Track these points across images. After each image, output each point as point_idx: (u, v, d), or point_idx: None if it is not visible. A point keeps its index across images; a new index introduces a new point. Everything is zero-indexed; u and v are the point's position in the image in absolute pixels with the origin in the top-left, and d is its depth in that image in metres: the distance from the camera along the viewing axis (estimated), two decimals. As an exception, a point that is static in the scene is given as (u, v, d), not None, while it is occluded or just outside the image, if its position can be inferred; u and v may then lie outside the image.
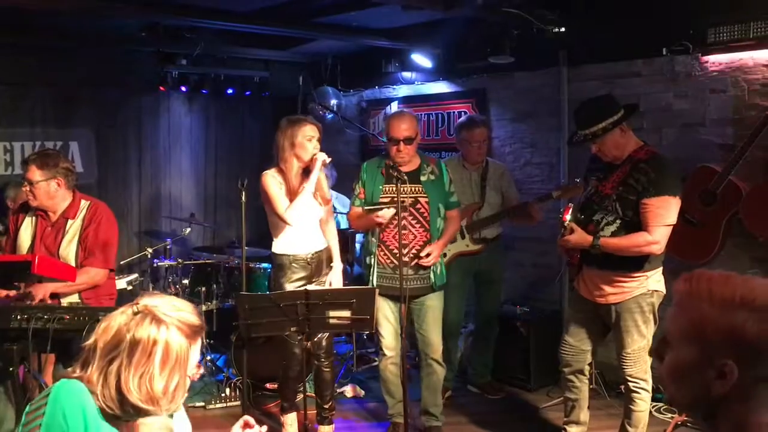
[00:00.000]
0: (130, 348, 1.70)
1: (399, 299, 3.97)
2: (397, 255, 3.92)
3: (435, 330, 4.08)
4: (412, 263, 3.97)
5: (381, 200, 3.97)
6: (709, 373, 1.27)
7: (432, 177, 4.05)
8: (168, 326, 1.74)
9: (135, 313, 1.75)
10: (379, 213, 3.89)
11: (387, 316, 4.02)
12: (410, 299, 4.03)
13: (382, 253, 4.00)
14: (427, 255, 3.94)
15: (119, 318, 1.75)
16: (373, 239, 4.01)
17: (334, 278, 4.16)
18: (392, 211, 3.90)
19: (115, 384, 1.70)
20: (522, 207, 4.69)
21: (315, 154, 3.95)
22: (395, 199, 3.85)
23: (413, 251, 3.98)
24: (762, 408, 1.25)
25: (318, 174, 3.96)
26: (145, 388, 1.70)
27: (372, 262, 4.04)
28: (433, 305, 4.07)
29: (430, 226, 4.00)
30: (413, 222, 3.99)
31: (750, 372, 1.24)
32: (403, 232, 3.92)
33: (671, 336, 1.35)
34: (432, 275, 4.02)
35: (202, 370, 1.90)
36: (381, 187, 4.01)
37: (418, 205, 3.99)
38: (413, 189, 3.99)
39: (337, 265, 4.19)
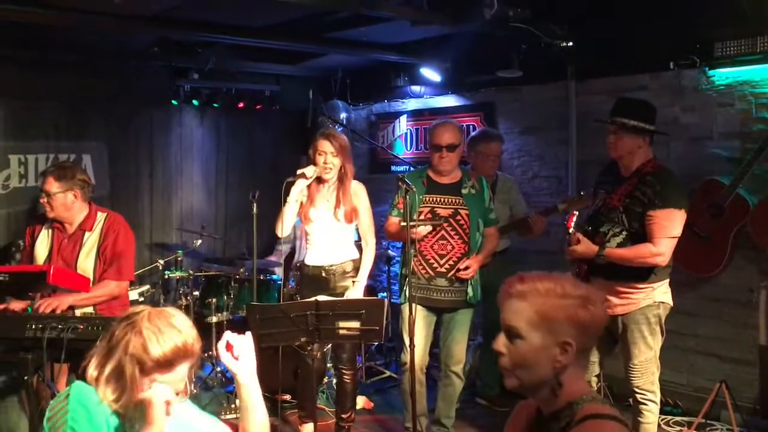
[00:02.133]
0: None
1: (432, 310, 4.05)
2: (434, 265, 4.03)
3: (460, 344, 4.11)
4: (450, 274, 4.01)
5: (420, 210, 4.01)
6: (555, 351, 1.63)
7: (473, 191, 4.10)
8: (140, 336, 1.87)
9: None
10: (416, 229, 3.91)
11: (417, 327, 3.91)
12: (442, 311, 4.09)
13: (418, 264, 4.02)
14: (466, 268, 3.97)
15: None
16: (412, 250, 3.98)
17: (354, 294, 4.14)
18: (429, 228, 3.95)
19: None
20: (523, 220, 4.72)
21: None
22: (434, 209, 4.00)
23: (450, 262, 4.03)
24: (580, 373, 1.68)
25: (298, 189, 4.00)
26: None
27: (407, 273, 4.04)
28: (463, 320, 4.11)
29: (469, 239, 4.03)
30: (452, 233, 4.03)
31: (579, 345, 1.63)
32: (442, 242, 4.00)
33: (519, 328, 1.65)
34: (470, 289, 4.05)
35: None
36: (421, 197, 4.04)
37: (458, 217, 4.04)
38: (454, 200, 4.05)
39: (361, 281, 4.16)
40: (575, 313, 1.62)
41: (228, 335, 2.06)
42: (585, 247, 3.47)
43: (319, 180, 4.12)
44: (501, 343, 1.69)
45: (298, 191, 4.02)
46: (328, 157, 4.04)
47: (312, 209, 4.14)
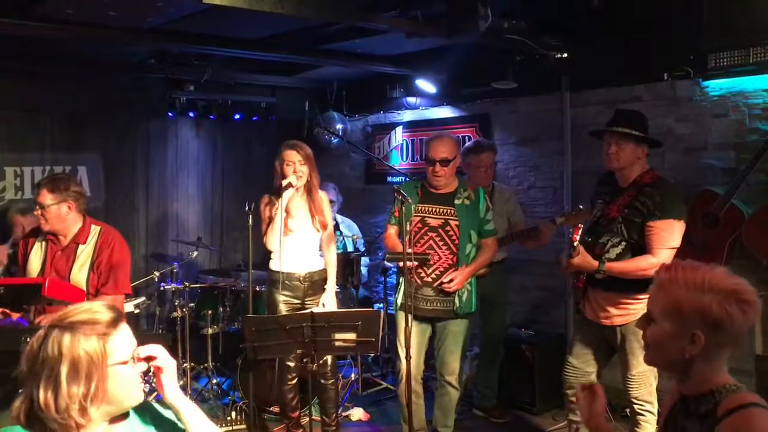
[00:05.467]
0: (40, 367, 1.65)
1: (422, 319, 4.05)
2: (421, 275, 4.03)
3: (454, 354, 4.09)
4: (435, 285, 4.01)
5: (412, 219, 4.03)
6: (683, 341, 1.70)
7: (467, 201, 4.08)
8: (74, 332, 1.66)
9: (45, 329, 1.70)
10: (401, 264, 3.91)
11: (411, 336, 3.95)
12: (433, 321, 4.09)
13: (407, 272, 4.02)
14: (450, 281, 3.95)
15: (34, 339, 1.70)
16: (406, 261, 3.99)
17: (326, 300, 4.28)
18: (415, 263, 3.92)
19: (27, 409, 1.66)
20: (534, 228, 4.70)
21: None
22: (425, 218, 4.02)
23: (436, 272, 4.02)
24: (718, 365, 1.73)
25: (285, 200, 4.10)
26: (52, 405, 1.62)
27: (401, 281, 4.07)
28: (456, 330, 4.08)
29: (458, 250, 4.01)
30: (440, 243, 4.02)
31: (712, 339, 1.68)
32: (429, 251, 4.00)
33: (654, 313, 1.77)
34: (457, 300, 4.02)
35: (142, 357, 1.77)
36: (414, 206, 4.05)
37: (448, 228, 4.02)
38: (445, 211, 4.05)
39: (330, 287, 4.32)
40: (709, 307, 1.66)
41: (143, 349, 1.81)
42: (582, 259, 3.47)
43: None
44: (640, 322, 1.83)
45: (284, 202, 4.12)
46: (297, 165, 4.17)
47: (290, 220, 4.21)
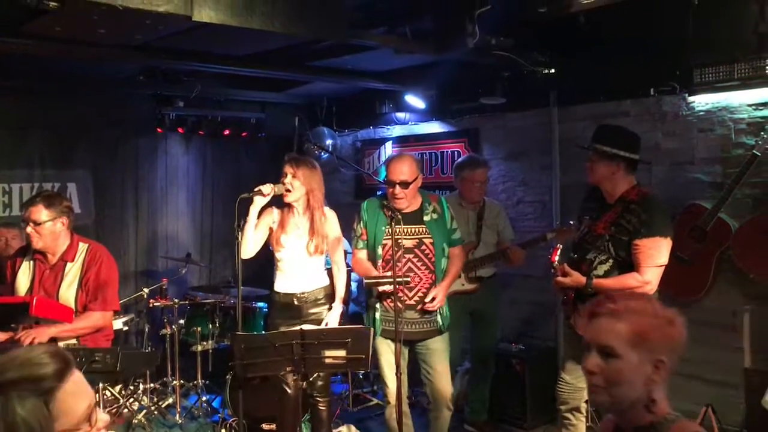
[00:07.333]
0: None
1: (403, 342, 3.94)
2: (403, 299, 3.90)
3: (444, 375, 4.02)
4: (418, 308, 3.93)
5: (384, 242, 3.95)
6: (649, 369, 1.66)
7: (435, 216, 4.01)
8: (7, 395, 1.29)
9: None
10: (381, 288, 3.87)
11: (390, 362, 3.89)
12: (415, 342, 4.01)
13: (386, 297, 3.92)
14: (432, 299, 3.89)
15: None
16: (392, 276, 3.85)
17: (331, 318, 4.15)
18: (390, 287, 3.80)
19: None
20: (502, 252, 4.75)
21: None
22: (398, 240, 3.85)
23: (419, 295, 3.93)
24: (664, 393, 1.69)
25: (256, 208, 3.97)
26: None
27: (375, 304, 4.01)
28: (439, 348, 4.01)
29: (435, 267, 3.94)
30: (418, 264, 3.94)
31: (670, 364, 1.67)
32: (410, 274, 3.90)
33: (616, 347, 1.66)
34: (439, 317, 3.97)
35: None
36: (384, 228, 3.94)
37: (423, 247, 3.95)
38: (417, 230, 3.96)
39: (337, 306, 4.17)
40: (668, 331, 1.67)
41: None
42: (573, 279, 3.48)
43: (289, 206, 4.11)
44: (593, 363, 1.70)
45: (255, 210, 3.98)
46: (288, 178, 4.04)
47: (283, 235, 4.10)
